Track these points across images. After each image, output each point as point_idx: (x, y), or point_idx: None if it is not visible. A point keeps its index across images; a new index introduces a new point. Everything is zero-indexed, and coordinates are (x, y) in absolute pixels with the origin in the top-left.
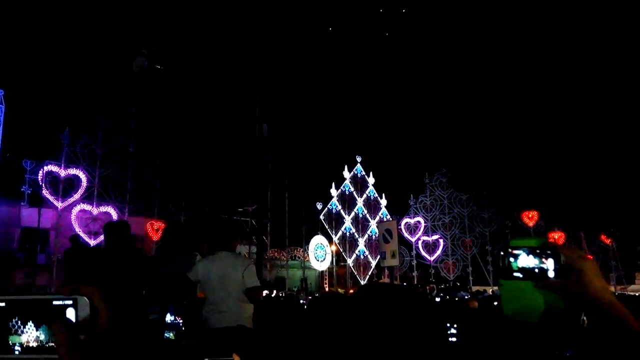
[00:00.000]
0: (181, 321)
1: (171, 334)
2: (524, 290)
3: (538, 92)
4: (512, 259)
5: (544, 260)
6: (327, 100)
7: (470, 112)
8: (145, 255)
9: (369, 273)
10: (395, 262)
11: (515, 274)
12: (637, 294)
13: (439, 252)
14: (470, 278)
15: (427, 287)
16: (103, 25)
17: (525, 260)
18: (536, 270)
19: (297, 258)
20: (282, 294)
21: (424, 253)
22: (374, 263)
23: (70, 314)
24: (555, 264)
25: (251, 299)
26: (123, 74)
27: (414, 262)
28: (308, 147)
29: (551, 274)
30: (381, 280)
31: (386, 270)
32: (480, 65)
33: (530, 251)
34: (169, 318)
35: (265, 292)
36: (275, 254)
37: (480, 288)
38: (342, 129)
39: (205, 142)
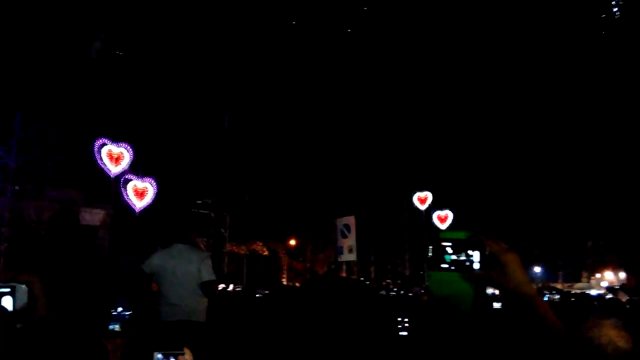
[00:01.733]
0: (128, 313)
1: (117, 326)
2: (451, 281)
3: (471, 95)
4: (441, 251)
5: (471, 252)
6: (291, 95)
7: (409, 111)
8: (97, 244)
9: (328, 268)
10: (352, 257)
11: (444, 265)
12: (579, 292)
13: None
14: (426, 274)
15: (383, 282)
16: (56, 6)
17: (454, 252)
18: (464, 261)
19: (255, 252)
20: (239, 288)
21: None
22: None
23: (7, 302)
24: (481, 256)
25: (206, 292)
26: (80, 57)
27: (372, 258)
28: (271, 140)
29: (477, 265)
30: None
31: (344, 266)
32: (431, 68)
33: (458, 243)
34: (115, 309)
35: (221, 286)
36: (234, 247)
37: None
38: (305, 123)
39: (165, 132)
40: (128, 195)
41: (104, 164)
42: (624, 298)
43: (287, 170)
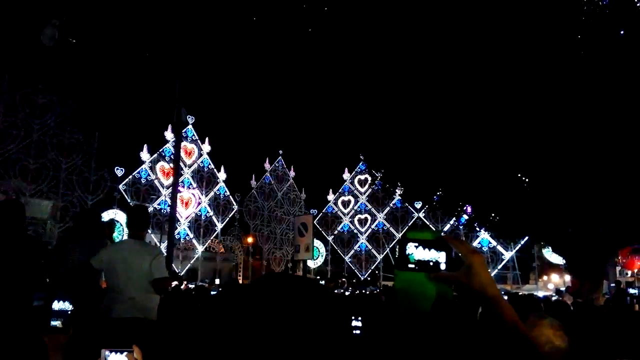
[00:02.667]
0: (70, 308)
1: (58, 322)
2: (417, 281)
3: (452, 95)
4: (408, 251)
5: (437, 253)
6: (251, 92)
7: (391, 110)
8: (36, 238)
9: (284, 266)
10: (308, 255)
11: (410, 265)
12: (527, 293)
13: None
14: (381, 274)
15: (339, 281)
16: None
17: (421, 252)
18: (430, 262)
19: (211, 249)
20: (192, 285)
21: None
22: (289, 256)
23: None
24: (447, 257)
25: (157, 290)
26: (32, 45)
27: (329, 257)
28: (230, 137)
29: (443, 266)
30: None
31: (301, 264)
32: (404, 63)
33: (425, 244)
34: (57, 305)
35: (174, 284)
36: (190, 244)
37: (390, 283)
38: (265, 121)
39: (121, 123)
40: None
41: None
42: (568, 300)
43: (245, 167)
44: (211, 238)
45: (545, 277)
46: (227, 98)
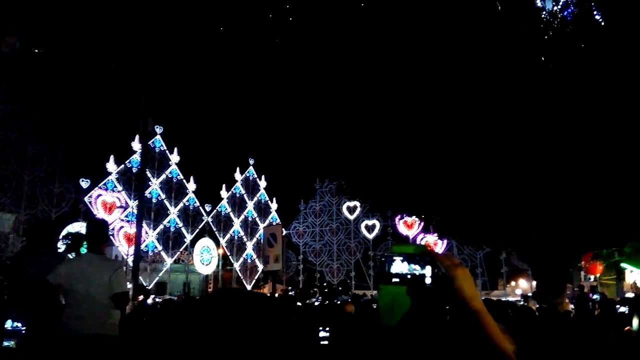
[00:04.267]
0: (24, 328)
1: (12, 342)
2: (400, 295)
3: (423, 106)
4: (392, 265)
5: (422, 267)
6: (220, 101)
7: (360, 121)
8: None
9: (256, 277)
10: (278, 266)
11: (394, 280)
12: (496, 299)
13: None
14: (353, 282)
15: (311, 291)
16: None
17: (405, 266)
18: (414, 276)
19: (180, 261)
20: (159, 299)
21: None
22: (261, 267)
23: None
24: (432, 271)
25: (117, 305)
26: None
27: (301, 267)
28: (199, 147)
29: (428, 280)
30: (266, 285)
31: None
32: (373, 73)
33: (409, 258)
34: (9, 324)
35: (140, 298)
36: (158, 257)
37: (360, 292)
38: (235, 131)
39: (87, 134)
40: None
41: None
42: (534, 305)
43: (216, 177)
44: (180, 250)
45: (513, 283)
46: (196, 107)
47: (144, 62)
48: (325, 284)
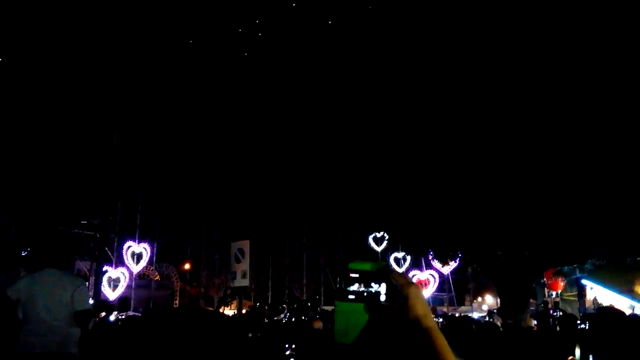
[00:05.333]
0: None
1: None
2: (356, 312)
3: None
4: (349, 282)
5: (378, 284)
6: (187, 113)
7: (317, 136)
8: None
9: (224, 293)
10: (245, 282)
11: (350, 297)
12: (463, 315)
13: None
14: (322, 298)
15: (279, 307)
16: None
17: (361, 283)
18: (370, 293)
19: (145, 276)
20: (122, 316)
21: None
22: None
23: None
24: (388, 288)
25: (79, 322)
26: None
27: (269, 283)
28: (164, 159)
29: (383, 297)
30: (233, 301)
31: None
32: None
33: (366, 275)
34: None
35: (102, 314)
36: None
37: (330, 308)
38: (202, 140)
39: (47, 145)
40: None
41: None
42: (498, 321)
43: (183, 191)
44: (145, 264)
45: (480, 299)
46: (159, 116)
47: (112, 75)
48: (294, 301)
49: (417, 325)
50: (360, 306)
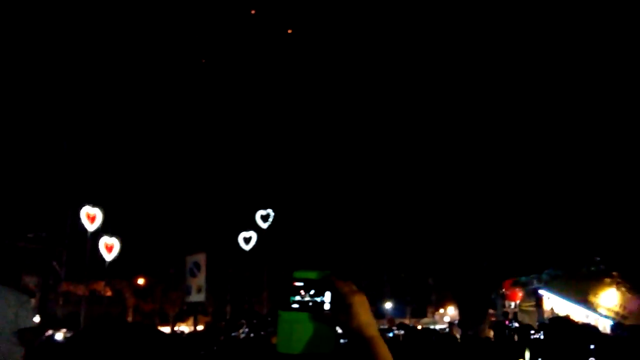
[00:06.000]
0: None
1: None
2: (301, 322)
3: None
4: (292, 290)
5: (322, 292)
6: (139, 119)
7: (269, 146)
8: None
9: (180, 309)
10: (201, 297)
11: (294, 306)
12: (424, 327)
13: None
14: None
15: (237, 323)
16: None
17: (306, 292)
18: (314, 302)
19: (97, 292)
20: (70, 334)
21: None
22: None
23: None
24: (332, 296)
25: (23, 341)
26: None
27: (228, 297)
28: (115, 169)
29: (327, 306)
30: (190, 317)
31: (199, 307)
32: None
33: (310, 283)
34: None
35: (49, 332)
36: (72, 287)
37: None
38: (154, 154)
39: None
40: None
41: None
42: (457, 332)
43: (136, 201)
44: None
45: (442, 310)
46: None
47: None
48: (254, 315)
49: (359, 335)
50: (304, 315)
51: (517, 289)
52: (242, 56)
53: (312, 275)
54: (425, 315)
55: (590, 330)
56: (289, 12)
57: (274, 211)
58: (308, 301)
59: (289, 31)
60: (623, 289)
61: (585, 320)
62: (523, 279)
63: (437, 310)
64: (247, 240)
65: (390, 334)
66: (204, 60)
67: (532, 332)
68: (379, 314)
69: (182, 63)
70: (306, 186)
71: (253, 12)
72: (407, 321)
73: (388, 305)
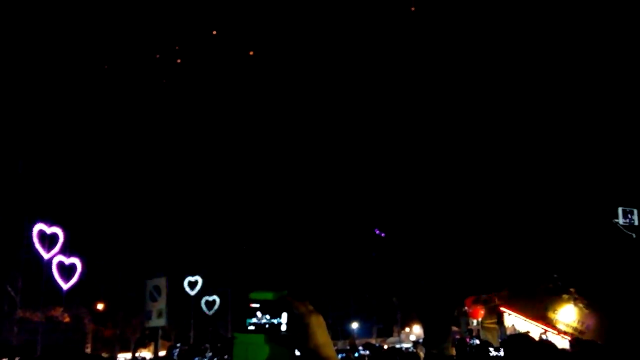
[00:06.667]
0: None
1: None
2: (256, 344)
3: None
4: (249, 312)
5: (279, 314)
6: (99, 135)
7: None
8: None
9: (142, 334)
10: (161, 322)
11: (250, 328)
12: (390, 346)
13: None
14: None
15: (201, 347)
16: None
17: (262, 313)
18: (270, 324)
19: (54, 318)
20: None
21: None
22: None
23: None
24: (289, 317)
25: None
26: None
27: (192, 321)
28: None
29: (284, 327)
30: (151, 342)
31: (160, 331)
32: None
33: (267, 305)
34: None
35: None
36: (28, 314)
37: None
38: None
39: None
40: None
41: None
42: (422, 351)
43: (94, 224)
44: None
45: (407, 329)
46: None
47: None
48: (219, 339)
49: (316, 355)
50: (260, 337)
51: (479, 306)
52: (206, 76)
53: (268, 296)
54: (391, 335)
55: (548, 347)
56: (250, 34)
57: (235, 227)
58: (265, 323)
59: (251, 53)
60: (580, 305)
61: (544, 337)
62: (484, 296)
63: (403, 329)
64: (192, 284)
65: (356, 354)
66: (164, 81)
67: (492, 349)
68: (345, 334)
69: (147, 85)
70: (266, 204)
71: (214, 32)
72: (373, 341)
73: (354, 325)
